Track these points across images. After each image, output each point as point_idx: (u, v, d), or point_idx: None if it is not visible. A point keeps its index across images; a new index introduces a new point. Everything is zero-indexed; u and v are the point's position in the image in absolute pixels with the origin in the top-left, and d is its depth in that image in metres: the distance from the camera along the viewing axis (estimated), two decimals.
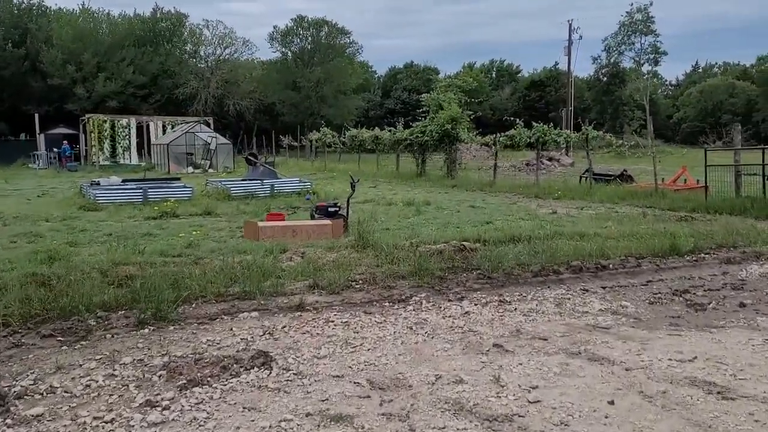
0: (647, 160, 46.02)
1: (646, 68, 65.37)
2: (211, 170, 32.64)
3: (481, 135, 24.78)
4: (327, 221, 9.74)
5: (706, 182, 14.64)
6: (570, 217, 12.59)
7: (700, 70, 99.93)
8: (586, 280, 7.45)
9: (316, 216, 10.56)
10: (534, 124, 19.34)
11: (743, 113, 73.27)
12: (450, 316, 5.69)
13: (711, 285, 7.12)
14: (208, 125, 37.94)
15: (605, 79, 55.78)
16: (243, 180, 17.35)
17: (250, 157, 19.28)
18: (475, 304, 6.11)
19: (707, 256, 8.63)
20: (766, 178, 13.33)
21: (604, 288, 6.95)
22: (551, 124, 20.33)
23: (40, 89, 51.52)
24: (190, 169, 31.69)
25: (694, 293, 6.71)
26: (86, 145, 38.21)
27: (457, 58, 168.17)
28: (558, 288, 6.88)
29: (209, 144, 33.03)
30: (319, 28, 58.26)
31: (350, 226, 10.44)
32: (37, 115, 41.87)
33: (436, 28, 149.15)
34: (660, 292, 6.75)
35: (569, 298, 6.45)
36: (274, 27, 57.93)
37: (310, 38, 57.23)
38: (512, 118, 20.52)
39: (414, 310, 5.91)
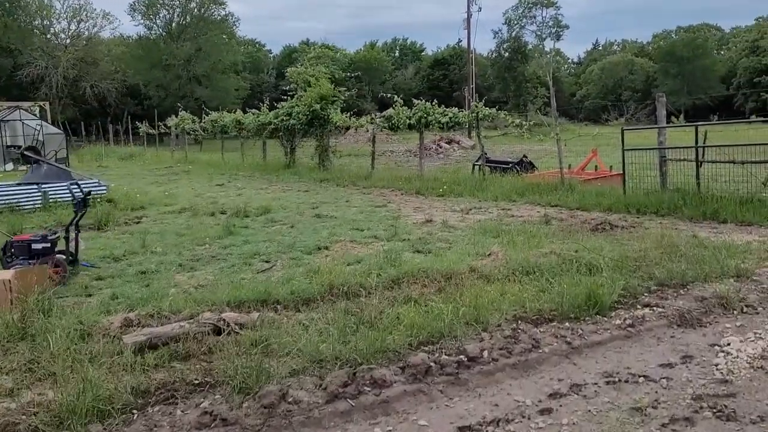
0: (552, 141, 44.15)
1: (549, 44, 64.35)
2: None
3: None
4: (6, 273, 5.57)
5: (623, 169, 11.63)
6: (446, 231, 9.10)
7: (600, 48, 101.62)
8: (435, 394, 3.88)
9: (7, 261, 6.37)
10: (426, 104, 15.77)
11: (643, 89, 74.32)
12: None
13: (667, 398, 3.72)
14: (42, 111, 32.09)
15: (507, 54, 53.71)
16: (10, 184, 12.74)
17: (27, 153, 14.64)
18: None
19: (646, 311, 5.28)
20: (700, 164, 10.39)
21: (460, 424, 3.40)
22: (455, 103, 16.95)
23: None
24: (9, 165, 26.10)
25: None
26: None
27: (362, 39, 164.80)
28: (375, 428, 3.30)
29: (37, 135, 27.43)
30: None
31: (76, 269, 6.42)
32: None
33: (345, 11, 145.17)
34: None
35: None
36: None
37: (178, 9, 51.22)
38: (389, 95, 17.01)
39: None
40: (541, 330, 4.87)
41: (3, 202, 11.49)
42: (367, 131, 18.07)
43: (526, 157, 15.81)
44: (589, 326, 4.95)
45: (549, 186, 12.71)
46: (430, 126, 15.84)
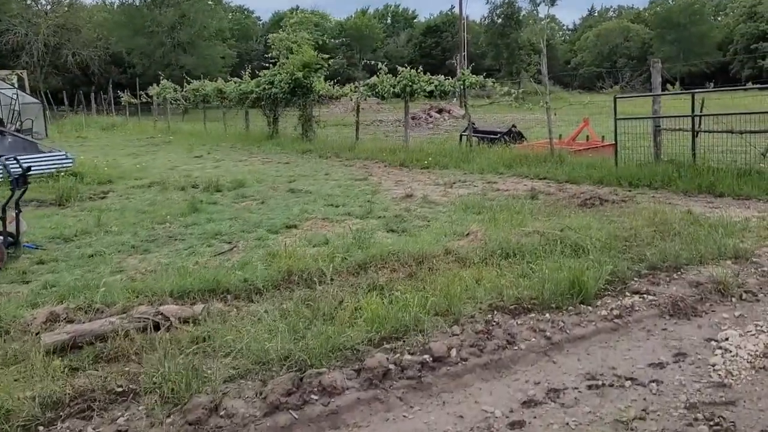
0: (544, 110, 43.28)
1: (543, 10, 62.99)
2: None
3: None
4: None
5: (615, 139, 11.08)
6: (426, 207, 8.57)
7: (596, 14, 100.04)
8: (392, 402, 3.41)
9: None
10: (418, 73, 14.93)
11: (638, 56, 73.20)
12: None
13: (657, 407, 3.26)
14: (20, 80, 31.07)
15: (500, 21, 52.51)
16: None
17: None
18: None
19: (635, 299, 4.80)
20: (696, 134, 9.85)
21: None
22: (447, 71, 16.09)
23: None
24: None
25: None
26: None
27: (354, 6, 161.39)
28: None
29: (13, 104, 26.55)
30: None
31: (17, 252, 5.91)
32: None
33: None
34: None
35: None
36: None
37: None
38: (374, 62, 16.27)
39: None
40: (519, 322, 4.39)
41: None
42: (351, 100, 17.40)
43: (515, 127, 15.22)
44: (571, 317, 4.47)
45: (538, 157, 12.17)
46: (416, 95, 15.19)
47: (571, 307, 4.64)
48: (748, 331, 4.11)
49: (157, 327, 4.11)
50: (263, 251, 5.95)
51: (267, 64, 20.69)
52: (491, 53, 59.14)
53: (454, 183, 10.83)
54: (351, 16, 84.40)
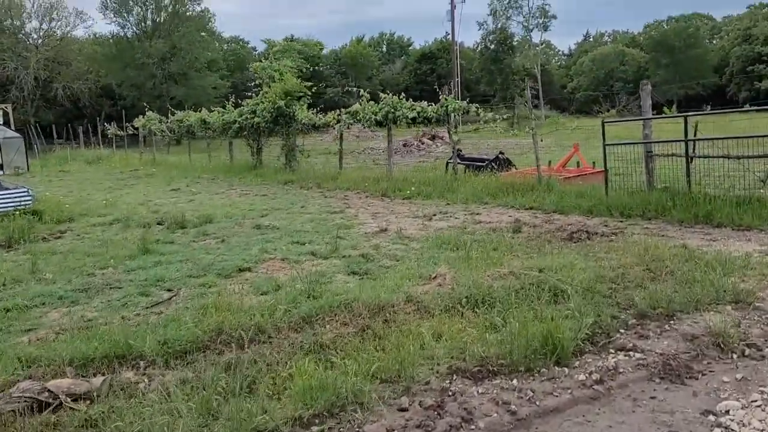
0: (540, 133, 42.90)
1: (536, 35, 63.13)
2: None
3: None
4: None
5: (605, 166, 10.46)
6: (398, 243, 7.92)
7: (591, 39, 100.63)
8: None
9: None
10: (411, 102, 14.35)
11: (634, 80, 73.11)
12: None
13: None
14: (5, 115, 30.74)
15: (493, 46, 52.45)
16: None
17: None
18: None
19: (620, 357, 4.12)
20: (691, 159, 9.23)
21: None
22: (441, 97, 15.44)
23: None
24: None
25: None
26: None
27: (352, 35, 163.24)
28: None
29: None
30: None
31: None
32: None
33: (333, 7, 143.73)
34: None
35: None
36: None
37: (152, 6, 49.55)
38: (358, 89, 15.74)
39: None
40: (480, 391, 3.71)
41: None
42: (333, 129, 16.86)
43: (503, 154, 14.63)
44: (543, 384, 3.79)
45: (525, 186, 11.54)
46: (398, 122, 14.64)
47: (544, 369, 3.96)
48: (752, 402, 3.42)
49: (43, 407, 3.43)
50: (201, 302, 5.27)
51: (250, 93, 20.24)
52: (485, 79, 59.01)
53: (434, 215, 10.20)
54: (346, 45, 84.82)
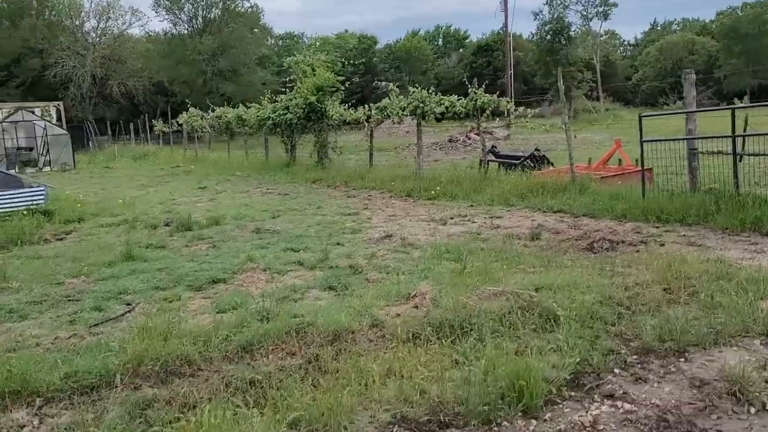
0: (598, 127, 40.98)
1: (596, 24, 60.87)
2: (47, 168, 26.48)
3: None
4: None
5: (642, 164, 9.49)
6: (398, 252, 7.26)
7: (659, 28, 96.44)
8: None
9: None
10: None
11: (704, 70, 69.59)
12: None
13: None
14: (56, 112, 31.61)
15: (549, 37, 50.62)
16: None
17: None
18: None
19: (604, 409, 3.37)
20: (740, 157, 8.18)
21: None
22: (499, 91, 14.65)
23: None
24: (12, 169, 25.39)
25: None
26: None
27: (405, 30, 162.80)
28: None
29: (43, 136, 26.71)
30: None
31: None
32: None
33: (388, 2, 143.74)
34: None
35: None
36: None
37: (202, 2, 50.19)
38: (386, 84, 15.08)
39: None
40: None
41: None
42: (364, 124, 16.26)
43: (539, 150, 13.70)
44: None
45: (557, 186, 10.66)
46: (426, 117, 13.92)
47: (505, 423, 3.26)
48: None
49: None
50: (141, 323, 4.77)
51: (284, 89, 19.90)
52: (540, 71, 57.16)
53: (450, 218, 9.47)
54: (400, 39, 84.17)
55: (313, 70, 18.00)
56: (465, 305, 4.70)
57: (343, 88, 18.05)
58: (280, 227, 9.17)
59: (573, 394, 3.55)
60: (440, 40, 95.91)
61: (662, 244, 6.96)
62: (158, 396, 3.56)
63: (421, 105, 13.61)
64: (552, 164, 13.40)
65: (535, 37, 56.95)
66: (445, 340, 4.15)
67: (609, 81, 73.10)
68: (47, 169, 26.51)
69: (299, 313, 4.75)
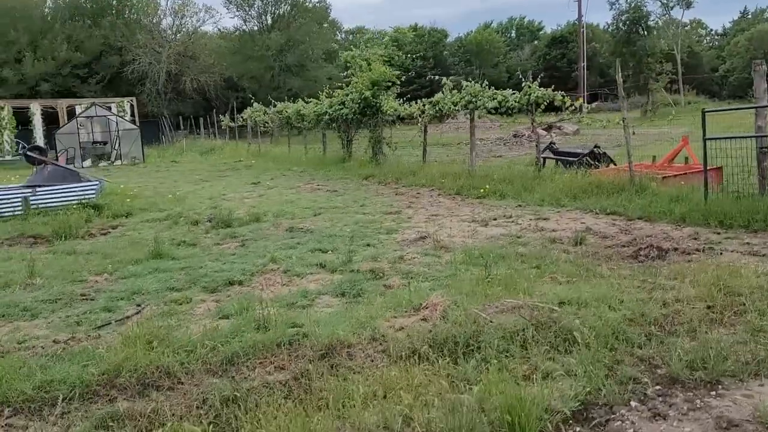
0: (680, 122, 38.82)
1: (677, 13, 57.88)
2: (118, 162, 27.50)
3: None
4: None
5: (704, 164, 8.74)
6: (428, 255, 6.91)
7: (749, 17, 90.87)
8: None
9: None
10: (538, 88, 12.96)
11: None
12: None
13: None
14: (129, 107, 32.81)
15: (624, 27, 48.46)
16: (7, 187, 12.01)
17: (31, 154, 13.81)
18: None
19: None
20: None
21: None
22: (573, 84, 13.96)
23: None
24: (87, 162, 26.52)
25: None
26: None
27: (474, 23, 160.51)
28: None
29: (114, 130, 27.77)
30: None
31: None
32: None
33: None
34: None
35: None
36: None
37: None
38: (439, 78, 14.65)
39: None
40: None
41: None
42: (418, 121, 15.87)
43: (598, 147, 12.94)
44: None
45: (613, 186, 10.00)
46: (479, 111, 13.41)
47: None
48: None
49: None
50: (132, 328, 4.65)
51: (341, 84, 19.79)
52: (617, 63, 54.85)
53: (494, 219, 9.02)
54: (471, 32, 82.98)
55: (369, 64, 17.78)
56: (476, 319, 4.33)
57: (398, 82, 17.74)
58: (315, 226, 8.98)
59: (578, 429, 3.14)
60: (513, 32, 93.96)
61: (720, 253, 6.32)
62: (130, 411, 3.39)
63: (473, 99, 13.13)
64: (614, 162, 12.63)
65: (611, 28, 54.70)
66: (444, 360, 3.80)
67: (693, 73, 69.48)
68: (118, 162, 27.52)
69: (299, 322, 4.51)
